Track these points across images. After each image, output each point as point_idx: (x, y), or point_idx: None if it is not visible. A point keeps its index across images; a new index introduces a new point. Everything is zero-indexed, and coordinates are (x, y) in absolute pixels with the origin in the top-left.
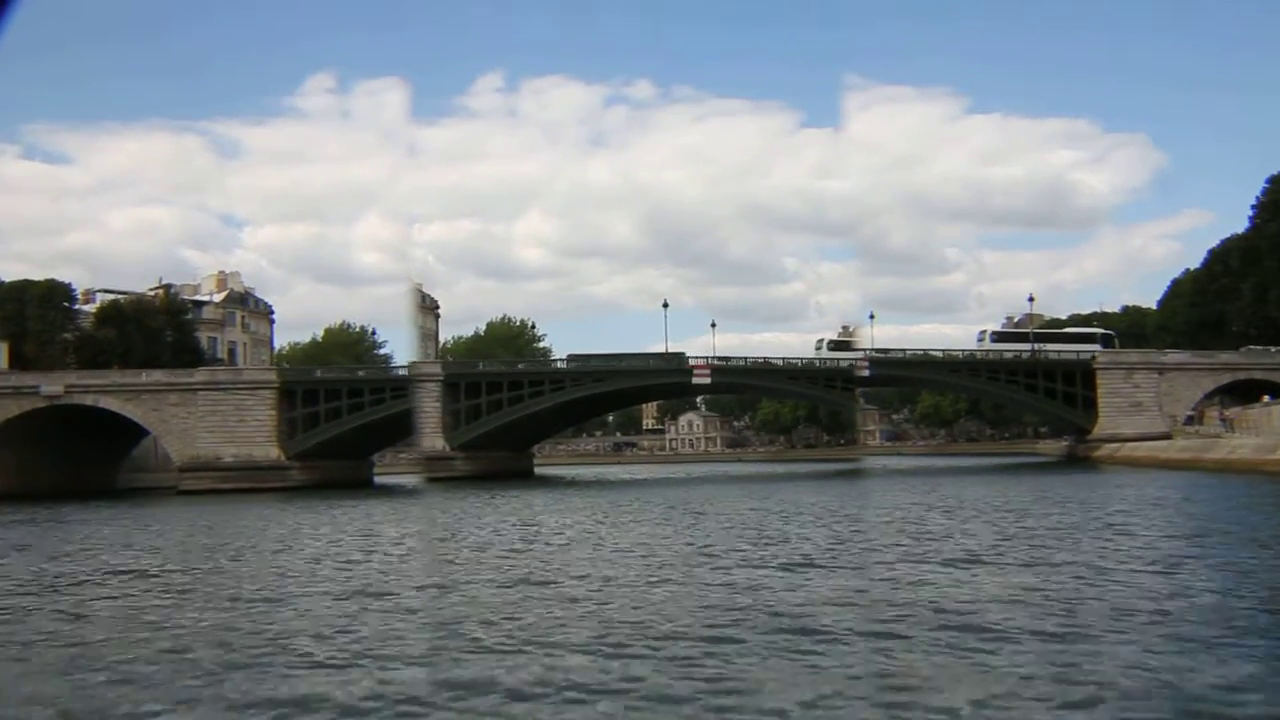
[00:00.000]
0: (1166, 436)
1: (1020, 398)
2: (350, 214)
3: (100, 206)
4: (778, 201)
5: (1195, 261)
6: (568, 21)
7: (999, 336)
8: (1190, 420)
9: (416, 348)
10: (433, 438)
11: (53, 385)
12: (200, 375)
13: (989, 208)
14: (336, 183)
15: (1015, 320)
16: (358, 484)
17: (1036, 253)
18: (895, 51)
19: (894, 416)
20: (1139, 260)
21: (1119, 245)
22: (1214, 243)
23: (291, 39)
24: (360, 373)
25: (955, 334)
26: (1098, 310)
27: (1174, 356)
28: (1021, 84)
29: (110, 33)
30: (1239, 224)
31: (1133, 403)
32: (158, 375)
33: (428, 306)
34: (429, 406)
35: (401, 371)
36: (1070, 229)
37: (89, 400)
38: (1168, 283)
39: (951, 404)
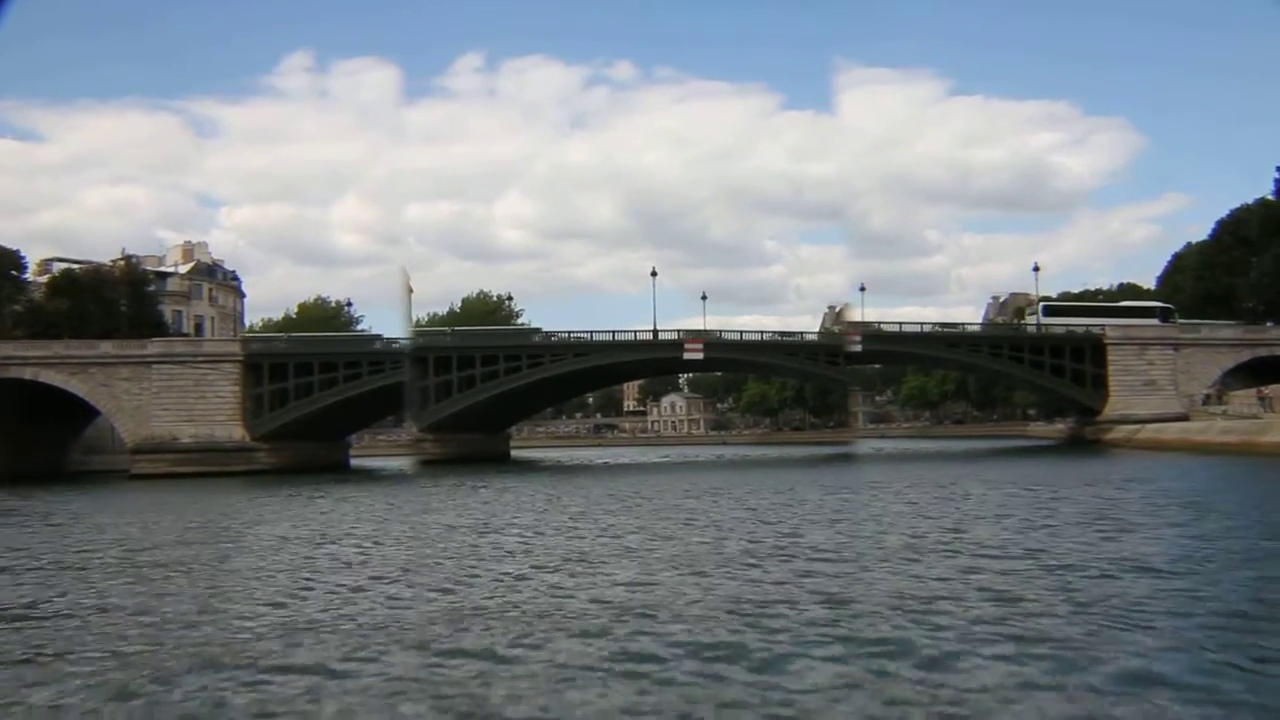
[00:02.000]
0: (1184, 418)
1: (1024, 375)
2: (328, 195)
3: (74, 185)
4: (759, 183)
5: (1176, 245)
6: (548, 1)
7: (1050, 310)
8: (1206, 400)
9: (409, 330)
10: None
11: None
12: (155, 347)
13: (970, 190)
14: (315, 163)
15: (1001, 300)
16: (331, 468)
17: (1016, 235)
18: (878, 34)
19: (877, 398)
20: (1118, 243)
21: (1098, 228)
22: (1193, 225)
23: (269, 17)
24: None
25: (935, 317)
26: (1086, 289)
27: (1202, 331)
28: (1003, 66)
29: (86, 9)
30: (1219, 207)
31: (1146, 381)
32: (105, 347)
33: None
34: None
35: (377, 345)
36: (1050, 212)
37: (27, 374)
38: (1146, 265)
39: (938, 385)
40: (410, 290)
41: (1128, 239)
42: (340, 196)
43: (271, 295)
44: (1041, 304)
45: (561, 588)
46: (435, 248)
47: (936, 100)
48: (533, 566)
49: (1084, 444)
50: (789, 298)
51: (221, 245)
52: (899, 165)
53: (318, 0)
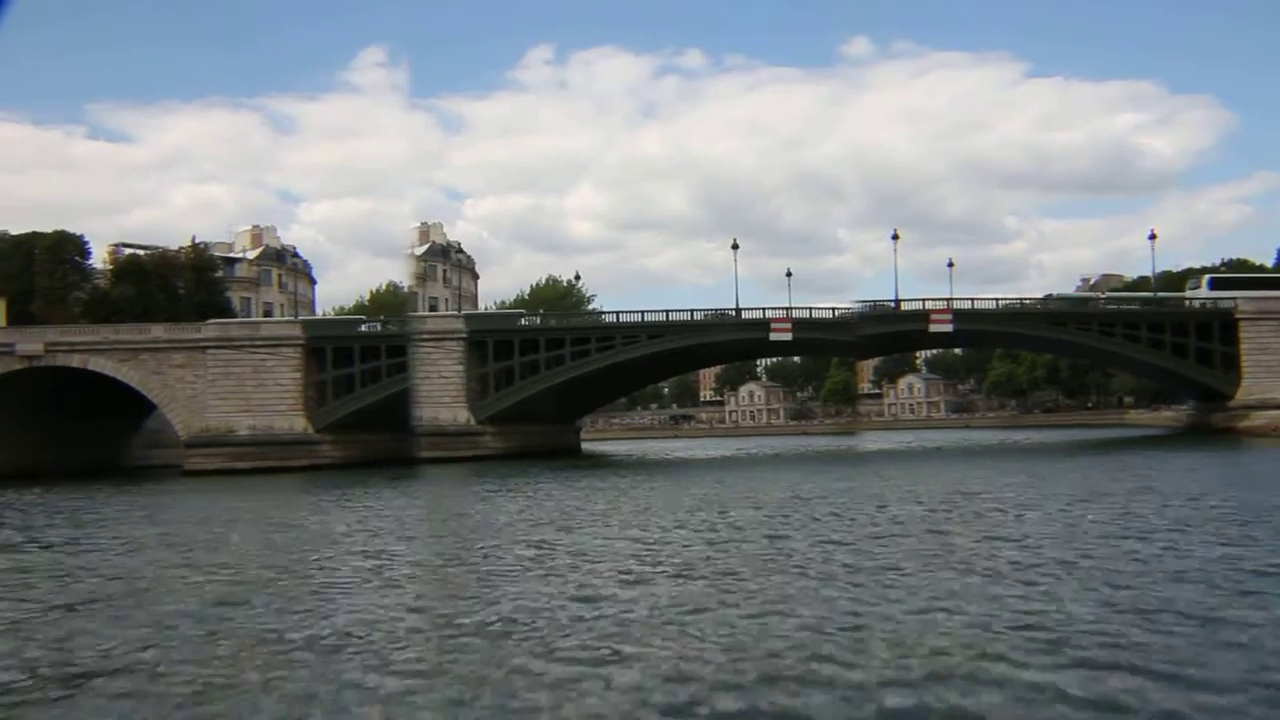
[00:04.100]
0: None
1: (1141, 356)
2: (404, 188)
3: (162, 184)
4: (831, 170)
5: (1270, 224)
6: None
7: (1219, 282)
8: None
9: (413, 282)
10: (454, 409)
11: (30, 343)
12: (209, 330)
13: (1049, 174)
14: (390, 157)
15: (1092, 282)
16: (402, 461)
17: (1098, 219)
18: (950, 19)
19: (960, 387)
20: (1206, 225)
21: (1185, 209)
22: None
23: (343, 13)
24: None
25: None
26: (1189, 268)
27: None
28: (1082, 47)
29: (165, 7)
30: None
31: None
32: (157, 331)
33: (464, 266)
34: (448, 370)
35: (449, 324)
36: (1134, 194)
37: (75, 361)
38: (1236, 246)
39: (1027, 371)
40: (476, 276)
41: (1217, 220)
42: (416, 190)
43: (349, 291)
44: (1208, 276)
45: None
46: (508, 240)
47: (1013, 83)
48: None
49: (1215, 433)
50: (860, 286)
51: (302, 240)
52: (975, 150)
53: None
